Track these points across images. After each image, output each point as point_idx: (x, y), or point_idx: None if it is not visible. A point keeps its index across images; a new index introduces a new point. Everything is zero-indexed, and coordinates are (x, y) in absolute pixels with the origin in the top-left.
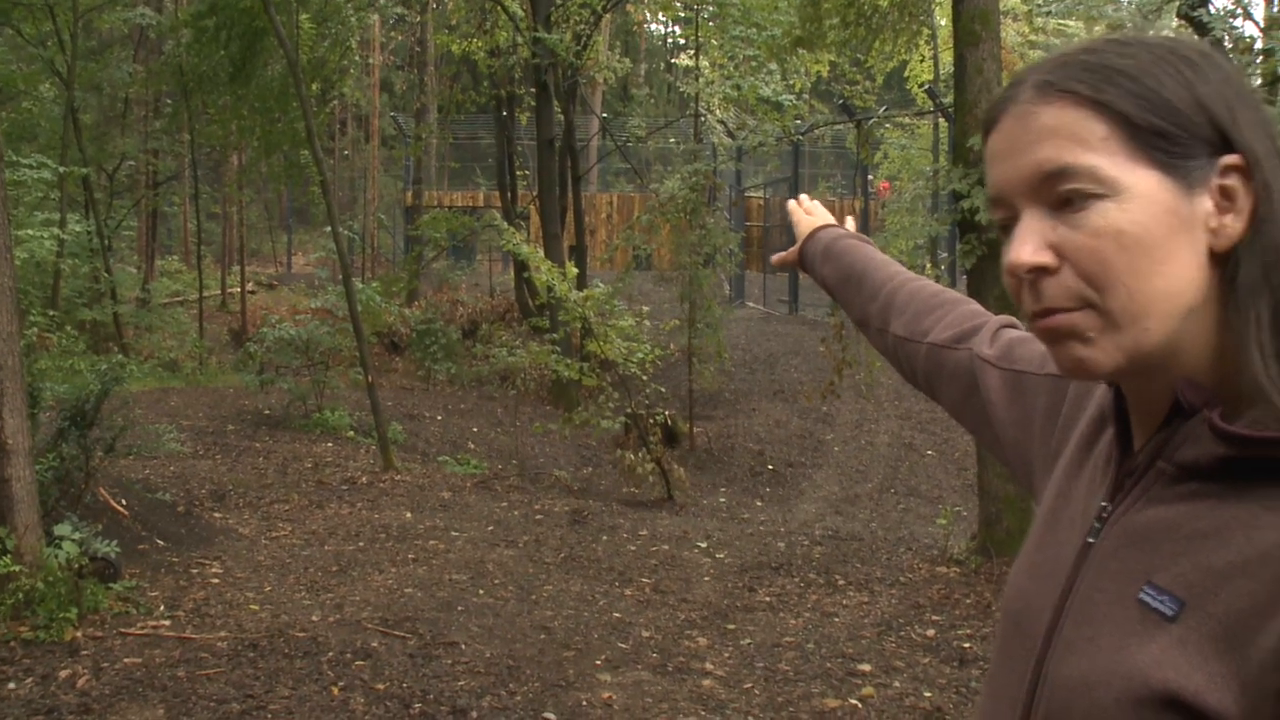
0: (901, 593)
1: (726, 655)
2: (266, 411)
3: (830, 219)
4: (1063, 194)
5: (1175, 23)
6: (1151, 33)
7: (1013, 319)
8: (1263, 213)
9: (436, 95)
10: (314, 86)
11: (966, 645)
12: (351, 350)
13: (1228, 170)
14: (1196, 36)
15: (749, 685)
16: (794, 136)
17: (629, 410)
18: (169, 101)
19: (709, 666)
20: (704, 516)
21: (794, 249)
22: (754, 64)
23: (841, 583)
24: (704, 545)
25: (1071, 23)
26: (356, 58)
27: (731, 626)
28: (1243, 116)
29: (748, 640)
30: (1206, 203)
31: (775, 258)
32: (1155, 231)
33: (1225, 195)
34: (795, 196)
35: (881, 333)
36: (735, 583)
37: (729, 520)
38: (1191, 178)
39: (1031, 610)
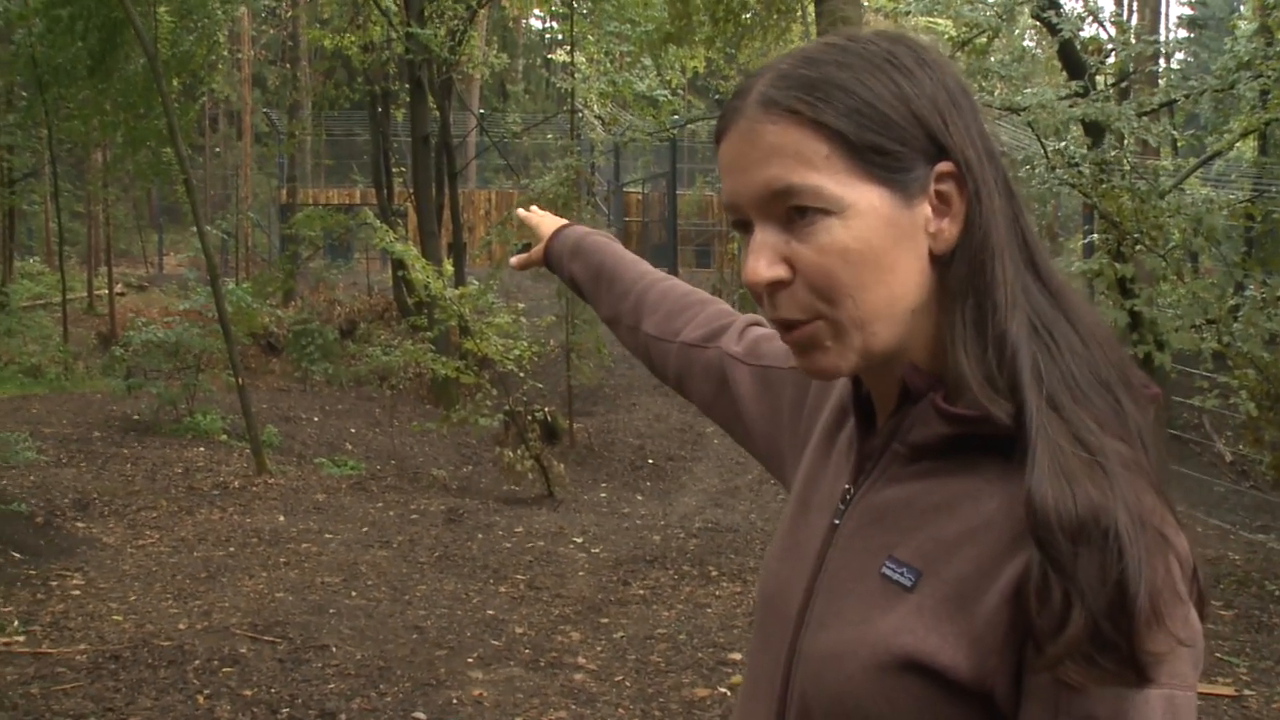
0: None
1: (599, 649)
2: (135, 417)
3: (565, 222)
4: (790, 210)
5: (1029, 22)
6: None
7: (759, 317)
8: (972, 217)
9: (310, 91)
10: (175, 81)
11: None
12: (224, 352)
13: (942, 177)
14: (1050, 35)
15: (620, 678)
16: (669, 132)
17: (507, 407)
18: (23, 94)
19: (581, 660)
20: (583, 512)
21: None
22: (629, 59)
23: (715, 574)
24: (580, 540)
25: (941, 21)
26: (225, 52)
27: (604, 620)
28: (955, 123)
29: (620, 633)
30: (926, 209)
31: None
32: (878, 245)
33: (942, 200)
34: (674, 191)
35: (633, 330)
36: (609, 577)
37: (608, 515)
38: (911, 188)
39: (784, 593)
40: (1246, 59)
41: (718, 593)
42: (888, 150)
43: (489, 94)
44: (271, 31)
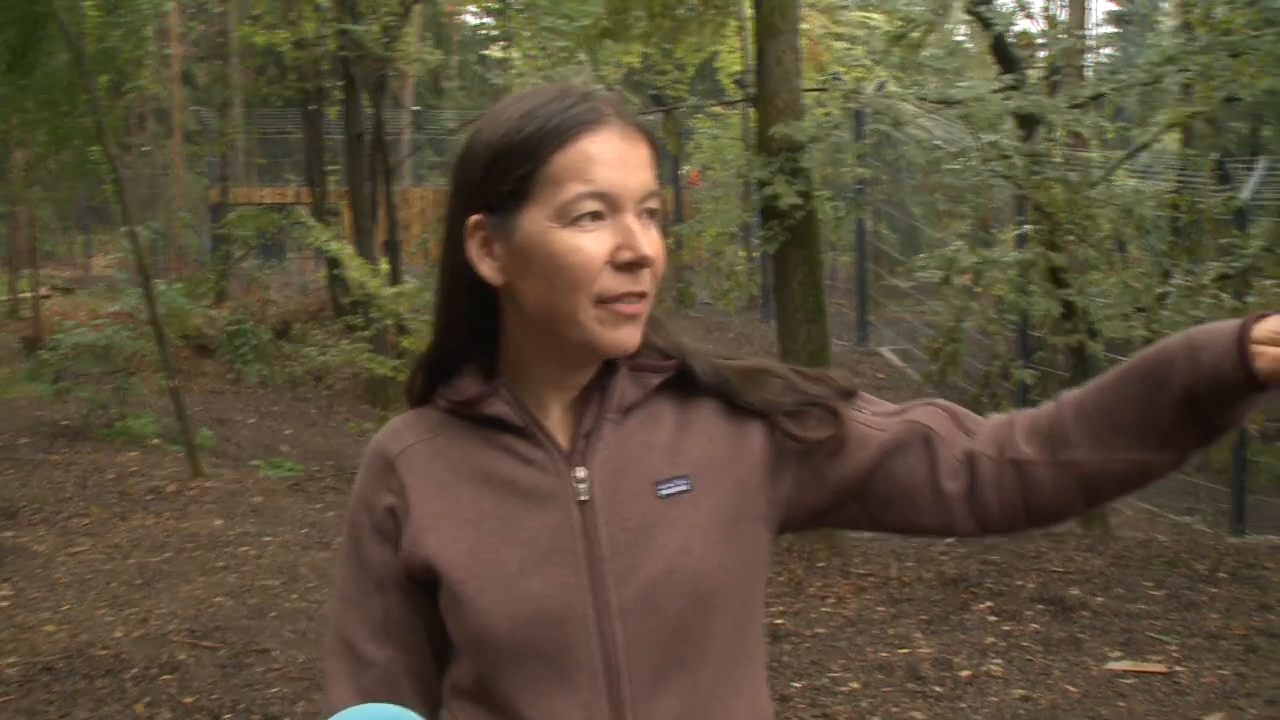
0: None
1: None
2: (64, 422)
3: None
4: (648, 209)
5: (962, 17)
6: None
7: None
8: None
9: (242, 89)
10: (102, 78)
11: (779, 621)
12: (156, 355)
13: None
14: (983, 29)
15: None
16: None
17: None
18: None
19: None
20: None
21: None
22: (564, 55)
23: None
24: None
25: (875, 15)
26: (153, 48)
27: None
28: None
29: None
30: None
31: None
32: None
33: None
34: None
35: None
36: None
37: None
38: None
39: (555, 596)
40: (1171, 54)
41: None
42: None
43: (424, 91)
44: (201, 28)
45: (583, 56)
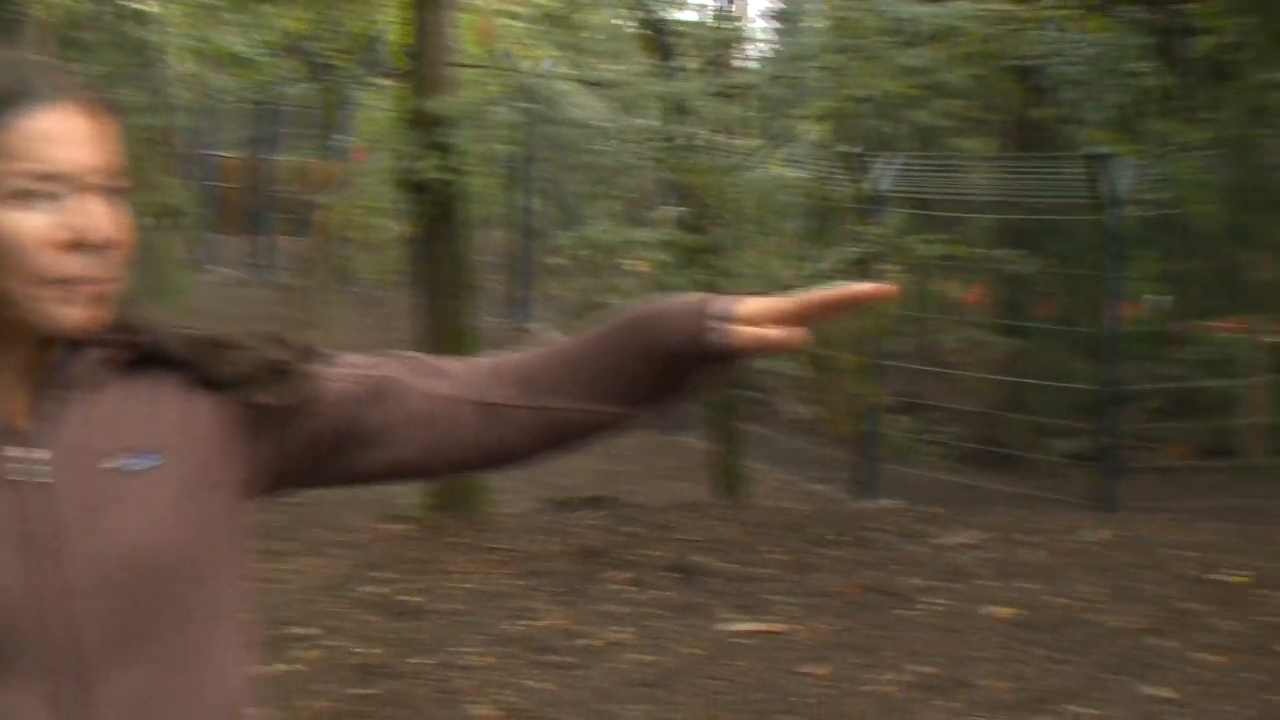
0: (348, 553)
1: None
2: None
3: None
4: (112, 187)
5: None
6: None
7: None
8: None
9: None
10: None
11: (412, 599)
12: None
13: None
14: (641, 13)
15: None
16: (260, 96)
17: None
18: None
19: None
20: None
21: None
22: (221, 15)
23: (284, 549)
24: None
25: None
26: None
27: None
28: None
29: None
30: None
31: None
32: None
33: None
34: (270, 156)
35: None
36: None
37: None
38: None
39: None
40: (808, 52)
41: (287, 568)
42: None
43: (63, 43)
44: None
45: (242, 19)
